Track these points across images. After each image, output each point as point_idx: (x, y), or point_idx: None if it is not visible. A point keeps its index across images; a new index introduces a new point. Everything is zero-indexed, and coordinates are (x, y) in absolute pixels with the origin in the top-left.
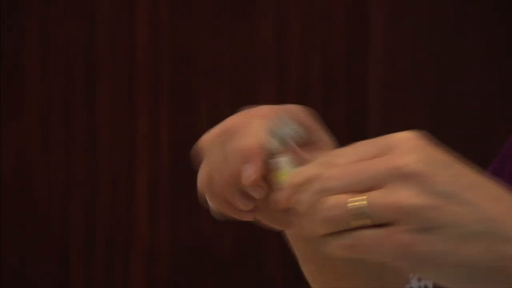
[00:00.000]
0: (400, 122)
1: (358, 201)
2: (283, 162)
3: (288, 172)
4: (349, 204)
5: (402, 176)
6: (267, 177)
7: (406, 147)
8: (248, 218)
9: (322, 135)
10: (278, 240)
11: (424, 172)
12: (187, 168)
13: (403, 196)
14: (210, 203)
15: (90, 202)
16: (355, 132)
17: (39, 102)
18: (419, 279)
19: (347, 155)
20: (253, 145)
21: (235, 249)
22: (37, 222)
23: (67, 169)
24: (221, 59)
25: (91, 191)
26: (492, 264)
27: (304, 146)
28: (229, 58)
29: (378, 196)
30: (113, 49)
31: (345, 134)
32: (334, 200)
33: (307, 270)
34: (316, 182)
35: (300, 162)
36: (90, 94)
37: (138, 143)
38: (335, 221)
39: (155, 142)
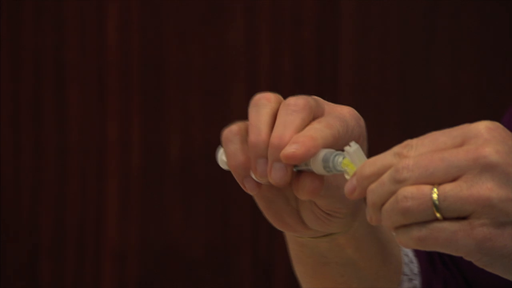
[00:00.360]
0: (371, 127)
1: (436, 192)
2: (354, 151)
3: (359, 162)
4: (433, 194)
5: (481, 167)
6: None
7: (485, 137)
8: (251, 190)
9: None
10: (250, 243)
11: (504, 164)
12: (158, 171)
13: (482, 188)
14: (223, 154)
15: (59, 204)
16: None
17: (8, 104)
18: (410, 280)
19: (421, 145)
20: (311, 133)
21: (206, 252)
22: (6, 223)
23: (36, 171)
24: (192, 61)
25: (61, 194)
26: None
27: None
28: (200, 60)
29: (454, 188)
30: (83, 51)
31: None
32: (414, 190)
33: (300, 272)
34: (390, 172)
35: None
36: (59, 96)
37: (108, 145)
38: (415, 212)
39: (125, 145)
